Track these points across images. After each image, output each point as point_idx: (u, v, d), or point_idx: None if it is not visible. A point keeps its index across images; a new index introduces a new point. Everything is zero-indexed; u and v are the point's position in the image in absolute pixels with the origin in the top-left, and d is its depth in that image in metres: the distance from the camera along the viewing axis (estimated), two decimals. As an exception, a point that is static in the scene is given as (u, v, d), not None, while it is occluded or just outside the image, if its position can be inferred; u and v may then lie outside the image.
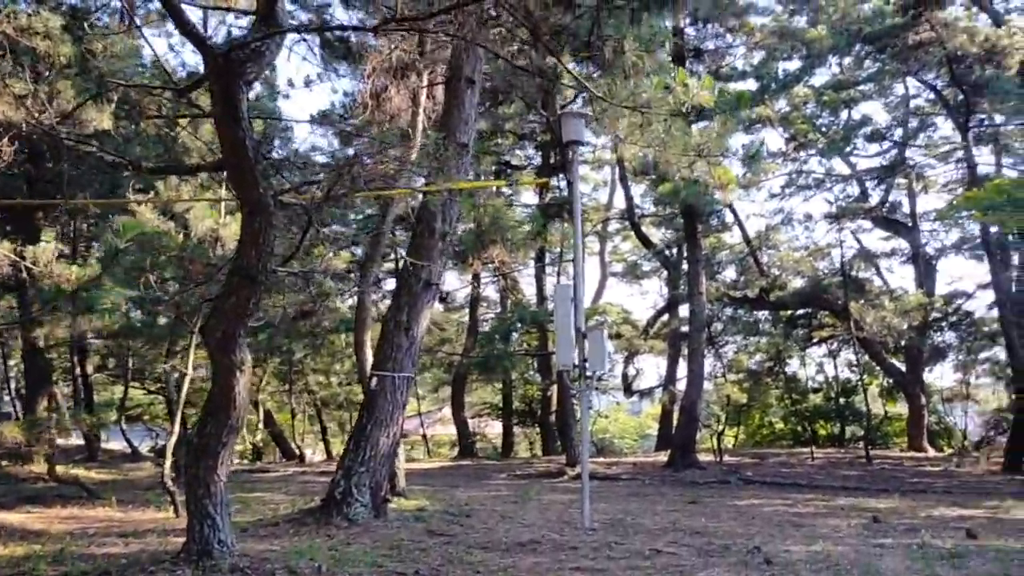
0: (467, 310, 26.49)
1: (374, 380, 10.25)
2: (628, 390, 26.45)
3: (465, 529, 9.86)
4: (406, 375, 10.27)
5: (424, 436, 29.79)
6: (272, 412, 27.44)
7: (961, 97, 19.85)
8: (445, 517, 10.68)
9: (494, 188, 25.91)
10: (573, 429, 18.90)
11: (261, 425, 27.77)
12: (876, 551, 8.60)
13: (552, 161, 20.16)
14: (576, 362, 10.66)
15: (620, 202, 31.71)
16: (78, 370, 21.63)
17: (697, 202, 16.66)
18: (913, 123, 25.69)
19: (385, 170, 8.39)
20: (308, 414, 28.92)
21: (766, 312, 26.54)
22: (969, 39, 16.55)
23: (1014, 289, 20.51)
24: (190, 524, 7.24)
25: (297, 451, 26.04)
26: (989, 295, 22.42)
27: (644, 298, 74.78)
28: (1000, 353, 23.67)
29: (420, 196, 10.30)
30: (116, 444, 31.02)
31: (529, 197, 26.04)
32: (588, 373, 10.80)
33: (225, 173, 9.03)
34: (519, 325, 21.78)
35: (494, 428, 30.59)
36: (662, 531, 10.02)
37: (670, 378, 26.07)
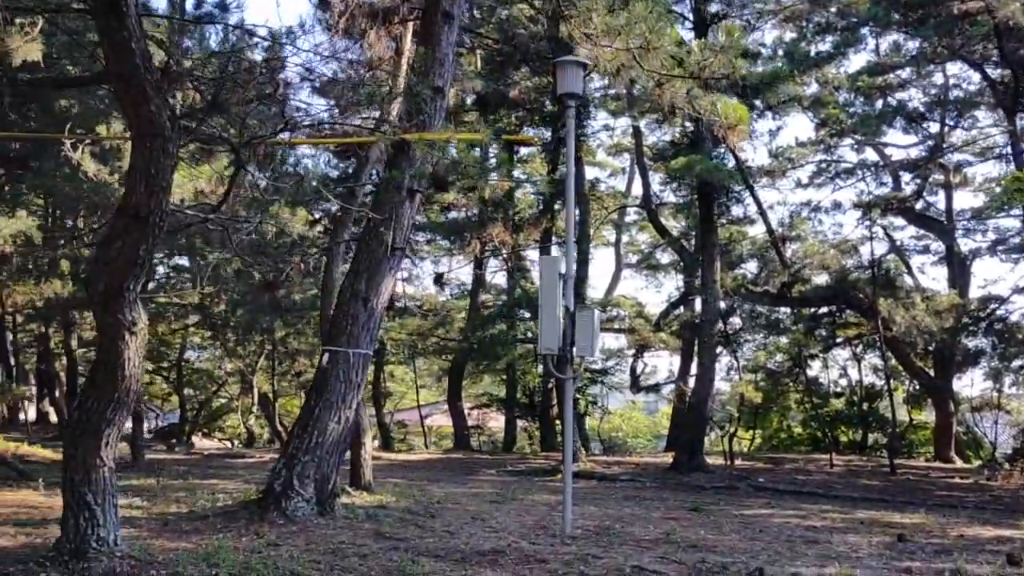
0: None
1: (325, 356, 8.94)
2: (636, 386, 24.99)
3: (423, 532, 8.53)
4: (362, 352, 8.94)
5: (423, 427, 28.49)
6: (269, 395, 26.27)
7: (1009, 77, 18.19)
8: (405, 517, 9.35)
9: (500, 169, 24.61)
10: (573, 424, 17.50)
11: (255, 408, 26.63)
12: (902, 579, 7.22)
13: (561, 135, 18.74)
14: (560, 346, 9.32)
15: (638, 189, 30.52)
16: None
17: (712, 178, 15.19)
18: (952, 114, 24.01)
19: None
20: (299, 397, 27.69)
21: (787, 309, 25.03)
22: (1022, 8, 14.92)
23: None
24: (64, 516, 5.98)
25: (284, 436, 24.76)
26: (1026, 300, 20.86)
27: (659, 291, 73.10)
28: (1034, 361, 22.06)
29: (386, 149, 8.97)
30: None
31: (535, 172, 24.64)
32: (575, 360, 9.45)
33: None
34: (518, 310, 20.37)
35: (498, 421, 29.29)
36: (653, 543, 8.64)
37: (682, 374, 24.61)
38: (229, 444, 26.86)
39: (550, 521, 9.93)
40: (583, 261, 18.59)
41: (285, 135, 7.72)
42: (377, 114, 9.51)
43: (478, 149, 20.84)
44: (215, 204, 7.12)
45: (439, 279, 22.77)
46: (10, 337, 23.54)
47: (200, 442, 25.31)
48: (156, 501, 10.10)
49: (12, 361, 21.69)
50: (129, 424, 23.13)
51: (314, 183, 8.38)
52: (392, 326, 21.45)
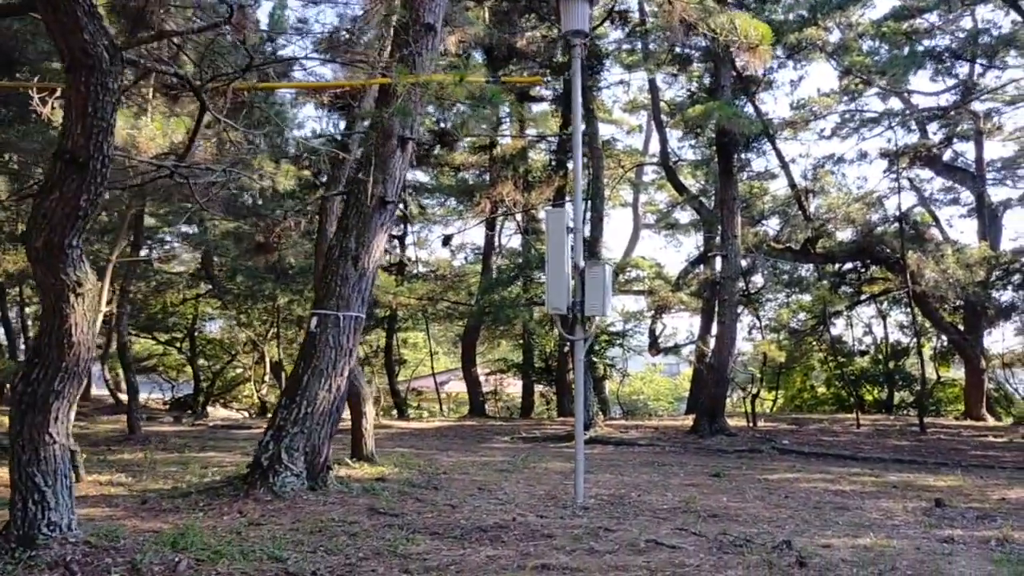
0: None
1: (314, 320, 8.29)
2: (655, 347, 24.28)
3: (422, 507, 7.92)
4: (353, 314, 8.28)
5: (438, 395, 28.00)
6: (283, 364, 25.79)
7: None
8: (405, 490, 8.75)
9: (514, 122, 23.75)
10: (588, 387, 16.86)
11: (267, 378, 26.21)
12: (944, 548, 6.54)
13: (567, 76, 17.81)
14: (570, 304, 8.65)
15: (655, 147, 29.65)
16: None
17: (732, 126, 14.31)
18: (983, 59, 22.84)
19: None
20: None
21: (811, 266, 24.22)
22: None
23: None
24: (12, 500, 5.38)
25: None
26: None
27: (679, 251, 71.88)
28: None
29: (374, 93, 8.24)
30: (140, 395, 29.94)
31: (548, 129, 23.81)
32: (587, 319, 8.78)
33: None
34: (531, 272, 19.62)
35: (516, 387, 28.75)
36: (670, 513, 7.99)
37: (702, 335, 23.88)
38: (246, 414, 26.55)
39: (562, 491, 9.32)
40: (598, 219, 17.81)
41: (260, 81, 6.99)
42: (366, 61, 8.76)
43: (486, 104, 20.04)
44: (179, 154, 6.44)
45: (447, 241, 22.08)
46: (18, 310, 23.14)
47: (216, 412, 24.94)
48: (142, 477, 9.56)
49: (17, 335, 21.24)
50: (125, 396, 22.93)
51: (295, 133, 7.58)
52: (401, 290, 20.82)
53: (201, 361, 27.21)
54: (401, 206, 23.62)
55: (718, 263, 20.79)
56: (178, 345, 27.08)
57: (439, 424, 20.54)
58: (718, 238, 21.65)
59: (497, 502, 8.39)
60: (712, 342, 19.57)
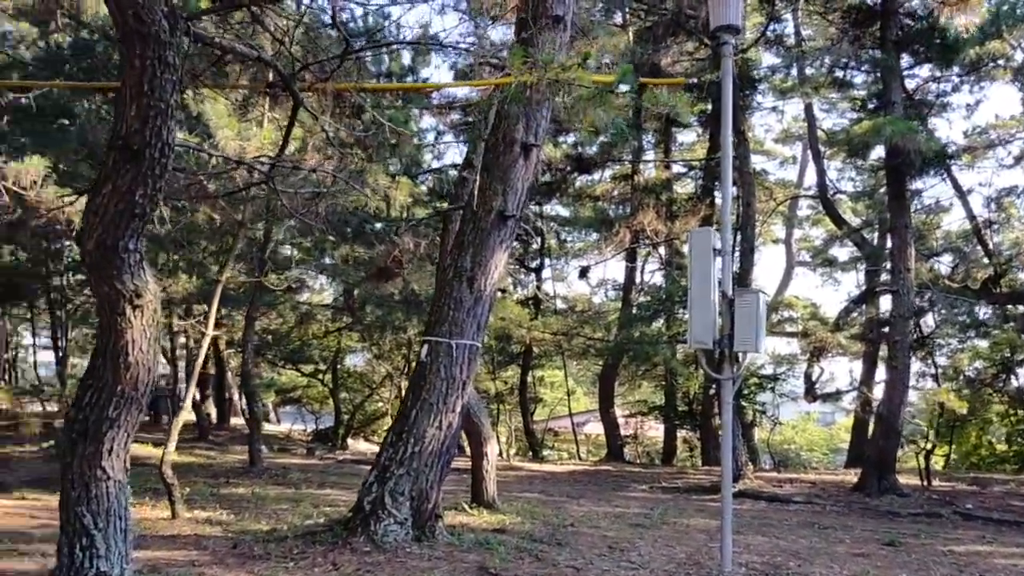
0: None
1: (424, 348, 7.39)
2: (811, 394, 22.22)
3: (540, 567, 6.81)
4: (467, 343, 7.33)
5: (575, 436, 26.79)
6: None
7: None
8: (524, 545, 7.65)
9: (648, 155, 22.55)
10: (737, 434, 15.27)
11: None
12: None
13: (715, 76, 16.51)
14: (717, 338, 7.42)
15: (809, 180, 27.85)
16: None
17: (906, 143, 12.59)
18: None
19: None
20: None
21: (992, 308, 21.65)
22: None
23: None
24: (59, 543, 4.66)
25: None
26: None
27: (836, 290, 67.62)
28: None
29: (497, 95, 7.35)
30: (283, 426, 30.49)
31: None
32: (736, 357, 7.51)
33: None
34: (674, 307, 18.23)
35: (657, 431, 27.20)
36: (840, 592, 6.57)
37: (865, 380, 21.69)
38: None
39: (705, 554, 7.99)
40: (748, 250, 16.32)
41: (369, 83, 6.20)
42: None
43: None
44: (272, 157, 5.71)
45: (584, 272, 20.99)
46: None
47: (356, 445, 24.73)
48: (244, 516, 8.87)
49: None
50: (278, 428, 22.96)
51: (414, 141, 6.78)
52: (535, 324, 19.87)
53: (343, 394, 27.22)
54: (538, 238, 22.84)
55: (885, 301, 18.75)
56: (320, 377, 27.19)
57: (573, 468, 19.33)
58: (884, 274, 19.64)
59: (629, 566, 7.18)
60: (877, 389, 17.56)
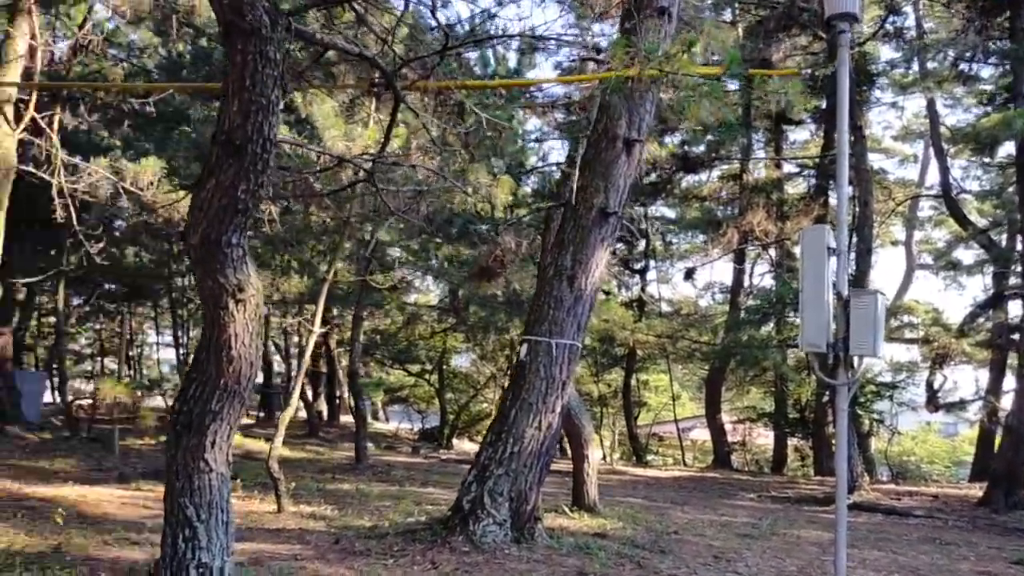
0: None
1: (523, 347, 7.29)
2: (933, 403, 21.10)
3: (643, 575, 6.61)
4: (567, 342, 7.19)
5: (680, 441, 26.28)
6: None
7: None
8: (625, 551, 7.45)
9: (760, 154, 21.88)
10: (852, 443, 14.60)
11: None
12: None
13: (830, 68, 15.81)
14: (831, 342, 7.06)
15: (931, 179, 26.58)
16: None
17: (1041, 135, 11.78)
18: None
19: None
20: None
21: None
22: None
23: None
24: (164, 533, 4.76)
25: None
26: None
27: (960, 295, 64.27)
28: None
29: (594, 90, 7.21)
30: (391, 425, 31.18)
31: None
32: (852, 361, 7.12)
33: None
34: (784, 310, 17.57)
35: (766, 438, 26.41)
36: (965, 614, 6.13)
37: (993, 389, 20.45)
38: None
39: (817, 568, 7.63)
40: (866, 251, 15.62)
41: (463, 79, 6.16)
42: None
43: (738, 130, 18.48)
44: (373, 155, 5.72)
45: (690, 274, 20.50)
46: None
47: (461, 445, 25.01)
48: (347, 511, 8.97)
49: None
50: (386, 426, 23.31)
51: (516, 140, 6.72)
52: (639, 327, 19.55)
53: (448, 394, 27.54)
54: (643, 240, 22.49)
55: (1014, 306, 17.68)
56: (427, 377, 27.59)
57: (678, 474, 18.92)
58: (1013, 277, 18.51)
59: (736, 577, 6.90)
60: (1004, 399, 16.50)
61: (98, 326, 31.51)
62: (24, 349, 24.99)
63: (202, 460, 4.70)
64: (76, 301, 27.63)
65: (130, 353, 31.43)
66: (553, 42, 7.40)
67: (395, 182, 6.63)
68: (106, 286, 24.58)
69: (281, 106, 4.49)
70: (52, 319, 25.29)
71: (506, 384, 24.07)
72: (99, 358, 32.80)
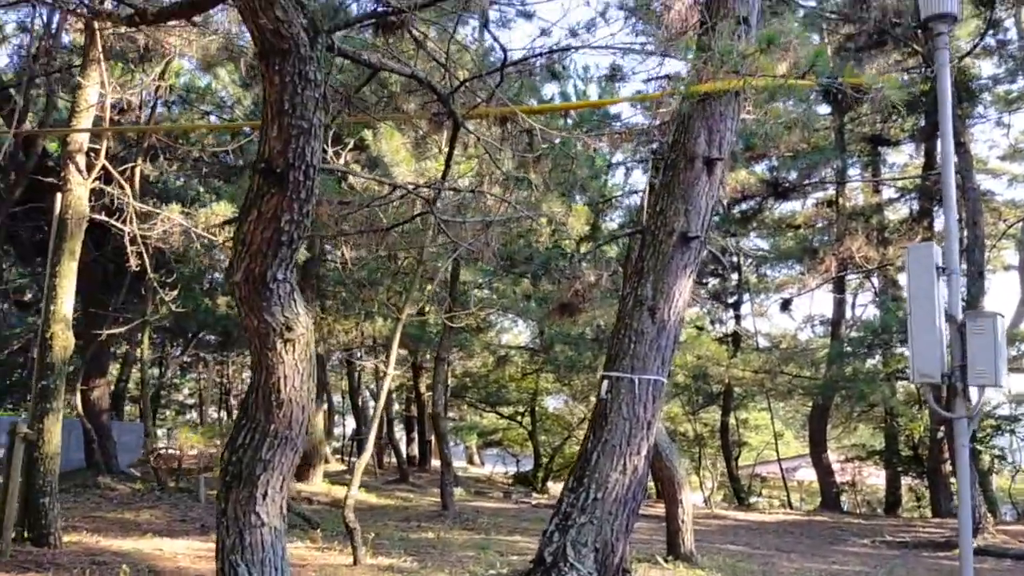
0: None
1: (604, 385, 6.80)
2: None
3: (743, 633, 5.98)
4: (651, 378, 6.67)
5: (784, 482, 25.04)
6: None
7: None
8: (724, 605, 6.82)
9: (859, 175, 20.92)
10: (974, 482, 13.44)
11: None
12: None
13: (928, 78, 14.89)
14: (946, 371, 6.41)
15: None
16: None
17: None
18: None
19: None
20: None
21: None
22: None
23: None
24: (216, 591, 4.44)
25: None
26: None
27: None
28: None
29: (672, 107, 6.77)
30: (485, 469, 30.85)
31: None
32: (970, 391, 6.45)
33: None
34: (890, 340, 16.49)
35: (877, 478, 24.90)
36: None
37: None
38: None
39: (943, 625, 6.81)
40: (978, 274, 14.55)
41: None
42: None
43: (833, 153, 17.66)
44: (435, 184, 5.41)
45: (786, 305, 19.58)
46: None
47: (555, 488, 24.43)
48: (427, 563, 8.54)
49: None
50: (484, 470, 22.86)
51: (592, 166, 6.33)
52: (734, 362, 18.69)
53: (541, 436, 27.07)
54: (735, 273, 21.67)
55: None
56: (519, 420, 27.17)
57: (783, 517, 17.87)
58: None
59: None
60: None
61: (197, 375, 32.20)
62: (126, 400, 25.59)
63: (253, 514, 4.38)
64: (176, 352, 28.29)
65: (230, 402, 31.98)
66: (628, 68, 7.02)
67: (461, 213, 6.32)
68: (202, 335, 25.03)
69: (322, 131, 4.20)
70: (153, 370, 25.90)
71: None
72: (199, 407, 33.48)
